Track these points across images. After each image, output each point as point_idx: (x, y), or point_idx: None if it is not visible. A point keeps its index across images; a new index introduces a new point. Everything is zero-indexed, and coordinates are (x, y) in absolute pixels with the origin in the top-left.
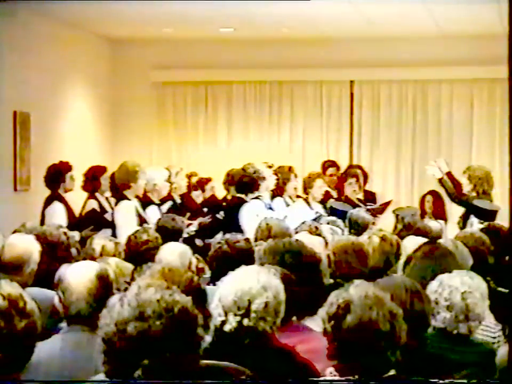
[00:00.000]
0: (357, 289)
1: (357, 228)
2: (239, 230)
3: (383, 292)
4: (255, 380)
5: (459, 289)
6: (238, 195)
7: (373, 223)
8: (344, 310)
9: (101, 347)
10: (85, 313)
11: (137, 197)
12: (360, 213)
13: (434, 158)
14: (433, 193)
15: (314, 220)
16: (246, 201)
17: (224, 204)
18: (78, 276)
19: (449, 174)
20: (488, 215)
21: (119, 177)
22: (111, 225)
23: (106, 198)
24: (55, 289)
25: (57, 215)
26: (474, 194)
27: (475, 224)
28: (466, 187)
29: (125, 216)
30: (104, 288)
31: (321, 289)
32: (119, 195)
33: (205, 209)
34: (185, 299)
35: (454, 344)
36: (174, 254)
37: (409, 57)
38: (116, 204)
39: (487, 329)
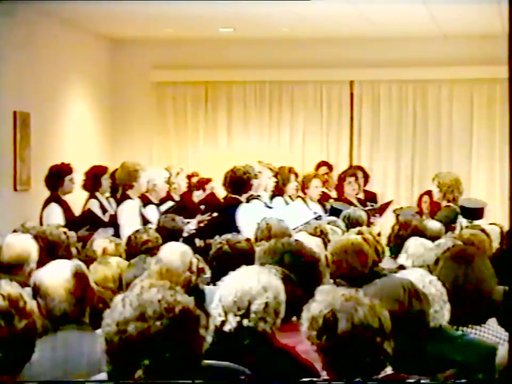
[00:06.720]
0: (329, 295)
1: (355, 226)
2: (236, 230)
3: (355, 292)
4: (255, 380)
5: (426, 281)
6: (233, 195)
7: (372, 223)
8: (332, 318)
9: (103, 347)
10: (70, 313)
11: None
12: (357, 211)
13: (434, 158)
14: (430, 193)
15: (315, 220)
16: (241, 202)
17: (221, 201)
18: (54, 278)
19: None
20: (475, 213)
21: (120, 177)
22: (107, 225)
23: (107, 198)
24: (33, 297)
25: (54, 217)
26: (444, 202)
27: (464, 224)
28: (436, 195)
29: (129, 216)
30: (82, 284)
31: None
32: (122, 195)
33: (202, 207)
34: (187, 299)
35: (453, 343)
36: (175, 253)
37: (409, 57)
38: (119, 204)
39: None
